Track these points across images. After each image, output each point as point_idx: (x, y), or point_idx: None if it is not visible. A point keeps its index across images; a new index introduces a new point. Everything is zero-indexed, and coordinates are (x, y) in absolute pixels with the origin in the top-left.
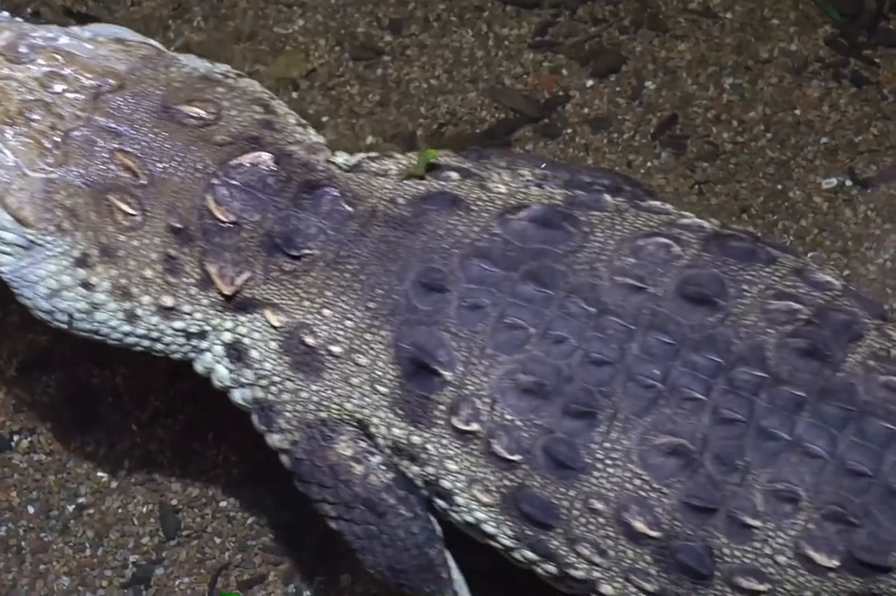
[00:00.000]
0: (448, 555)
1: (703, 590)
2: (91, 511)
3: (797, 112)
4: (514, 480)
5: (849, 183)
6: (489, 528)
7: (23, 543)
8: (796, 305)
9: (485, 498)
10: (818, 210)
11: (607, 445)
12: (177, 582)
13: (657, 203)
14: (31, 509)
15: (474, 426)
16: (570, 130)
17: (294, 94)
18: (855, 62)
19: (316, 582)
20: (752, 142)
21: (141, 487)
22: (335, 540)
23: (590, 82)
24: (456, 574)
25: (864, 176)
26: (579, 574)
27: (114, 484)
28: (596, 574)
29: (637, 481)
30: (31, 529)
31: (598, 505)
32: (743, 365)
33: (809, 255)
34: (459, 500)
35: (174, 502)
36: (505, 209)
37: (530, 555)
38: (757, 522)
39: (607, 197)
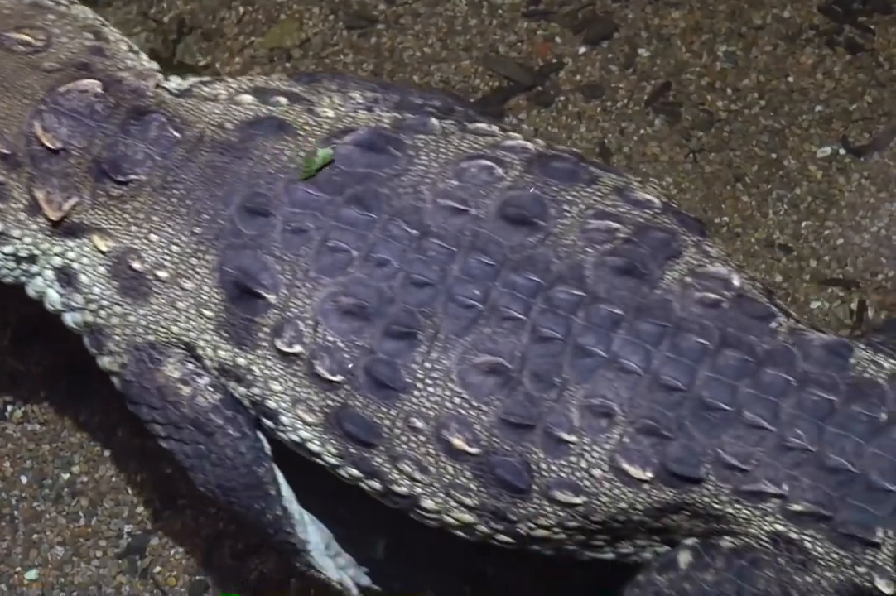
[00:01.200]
0: (277, 472)
1: (522, 504)
2: (85, 480)
3: (791, 80)
4: (337, 400)
5: (843, 151)
6: (314, 446)
7: (16, 513)
8: (615, 224)
9: (308, 418)
10: (812, 178)
11: (427, 364)
12: (172, 552)
13: (483, 125)
14: (24, 479)
15: (297, 348)
16: (563, 98)
17: (287, 64)
18: (849, 29)
19: None
20: (745, 110)
21: (135, 457)
22: (331, 511)
23: (583, 50)
24: (285, 491)
25: (858, 144)
26: (402, 490)
27: (107, 453)
28: (418, 490)
29: (456, 400)
30: (25, 498)
31: (419, 423)
32: (561, 284)
33: (803, 223)
34: (284, 419)
35: (168, 471)
36: (332, 134)
37: (355, 472)
38: (573, 437)
39: (434, 120)
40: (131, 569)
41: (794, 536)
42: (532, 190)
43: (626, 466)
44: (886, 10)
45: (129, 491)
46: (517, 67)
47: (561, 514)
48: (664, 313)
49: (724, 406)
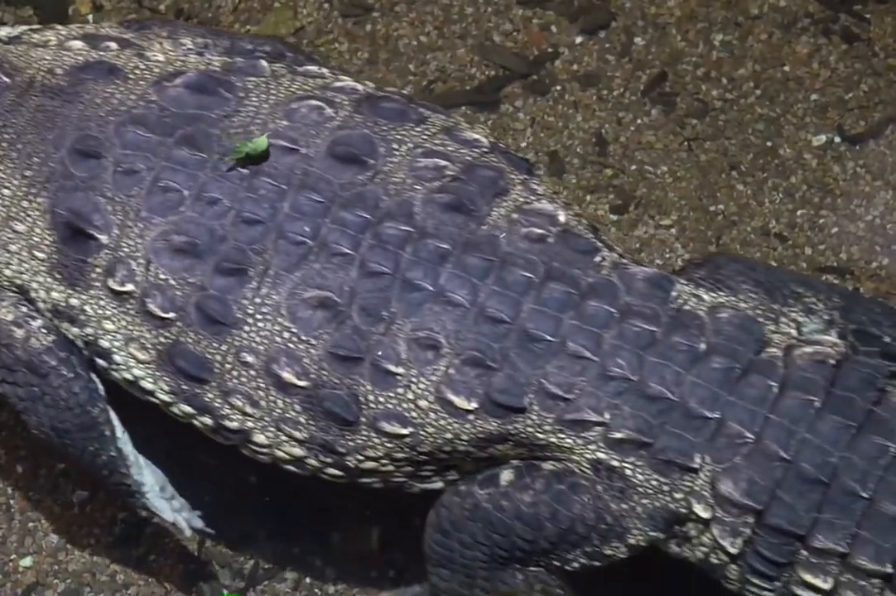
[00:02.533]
0: (112, 414)
1: (350, 436)
2: None
3: (786, 69)
4: (169, 338)
5: (838, 140)
6: (147, 384)
7: (11, 502)
8: (443, 162)
9: (141, 355)
10: (808, 167)
11: (258, 300)
12: (166, 540)
13: (313, 67)
14: (19, 468)
15: (129, 287)
16: (559, 87)
17: None
18: (845, 18)
19: (305, 540)
20: (741, 99)
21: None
22: (326, 500)
23: (579, 39)
24: (119, 432)
25: (853, 133)
26: (234, 425)
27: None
28: (249, 424)
29: (286, 334)
30: (20, 487)
31: (249, 358)
32: (390, 220)
33: (799, 212)
34: (117, 358)
35: (163, 460)
36: (162, 77)
37: (187, 409)
38: (400, 369)
39: (264, 63)
40: (126, 557)
41: (615, 463)
42: (361, 129)
43: (451, 396)
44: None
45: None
46: (513, 56)
47: (389, 445)
48: (491, 248)
49: (548, 337)
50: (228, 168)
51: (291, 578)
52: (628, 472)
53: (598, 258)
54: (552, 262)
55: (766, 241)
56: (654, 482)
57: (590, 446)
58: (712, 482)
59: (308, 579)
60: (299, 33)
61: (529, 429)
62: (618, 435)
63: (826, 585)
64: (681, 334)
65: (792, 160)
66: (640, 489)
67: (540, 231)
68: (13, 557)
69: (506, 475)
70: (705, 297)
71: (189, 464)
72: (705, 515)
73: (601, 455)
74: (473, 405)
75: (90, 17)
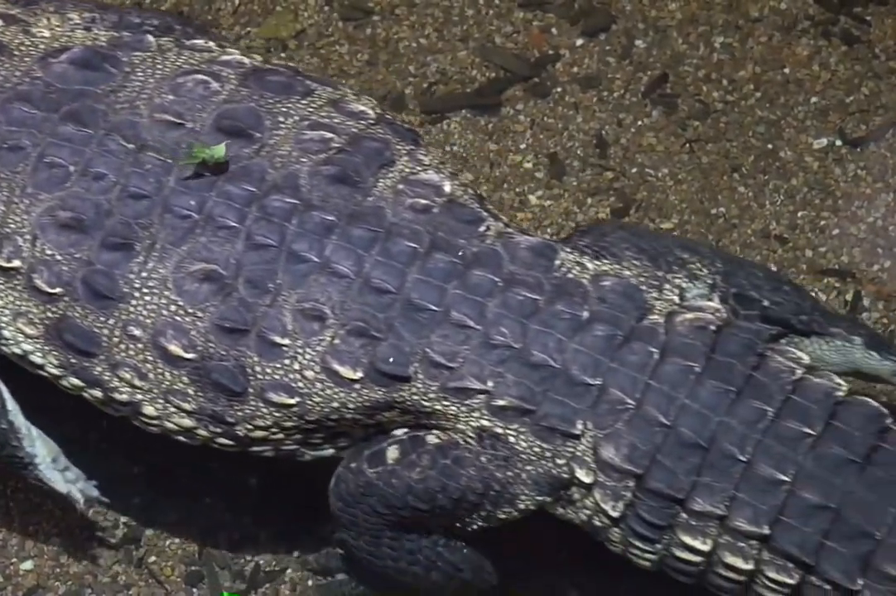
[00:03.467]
0: (2, 386)
1: (238, 406)
2: (80, 471)
3: (787, 71)
4: (57, 312)
5: (839, 143)
6: (36, 359)
7: (12, 504)
8: (329, 135)
9: (29, 330)
10: (809, 170)
11: (144, 274)
12: (167, 542)
13: (200, 41)
14: None
15: (16, 263)
16: (560, 89)
17: (283, 55)
18: (845, 20)
19: (306, 542)
20: (742, 101)
21: (130, 448)
22: (326, 501)
23: (580, 41)
24: (10, 405)
25: (854, 135)
26: (123, 398)
27: (104, 446)
28: (138, 397)
29: (173, 307)
30: (20, 489)
31: (136, 331)
32: (276, 193)
33: (799, 214)
34: (6, 333)
35: (164, 462)
36: (48, 53)
37: (77, 382)
38: (286, 341)
39: (150, 37)
40: (127, 559)
41: (499, 430)
42: (247, 103)
43: (336, 366)
44: (882, 1)
45: (125, 481)
46: (513, 58)
47: (277, 415)
48: (376, 219)
49: (433, 307)
50: (186, 176)
51: (292, 579)
52: (511, 439)
53: (482, 228)
54: (437, 232)
55: (766, 243)
56: (538, 449)
57: (473, 414)
58: (594, 448)
59: (309, 581)
60: (300, 36)
61: (415, 397)
62: (501, 402)
63: (705, 546)
64: (564, 302)
65: (793, 163)
66: (523, 456)
67: (425, 202)
68: (14, 560)
69: (392, 453)
70: (589, 265)
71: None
72: (587, 479)
73: (485, 422)
74: (359, 375)
75: None
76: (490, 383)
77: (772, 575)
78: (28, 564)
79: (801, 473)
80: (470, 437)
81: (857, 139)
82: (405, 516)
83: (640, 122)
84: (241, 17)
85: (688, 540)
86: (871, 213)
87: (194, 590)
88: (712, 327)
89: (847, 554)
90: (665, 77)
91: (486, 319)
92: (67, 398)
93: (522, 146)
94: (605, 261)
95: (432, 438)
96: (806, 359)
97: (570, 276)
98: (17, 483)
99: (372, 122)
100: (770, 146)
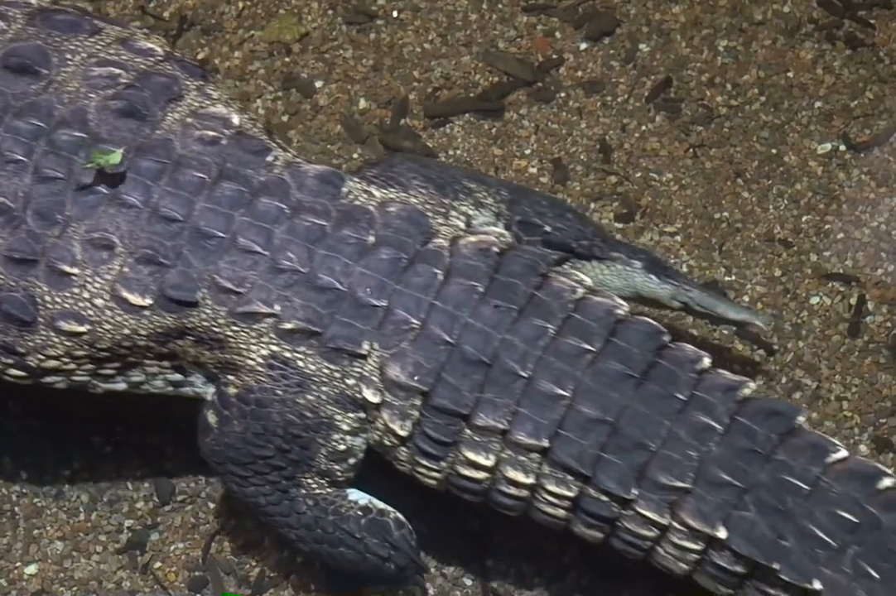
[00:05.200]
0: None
1: (29, 336)
2: (85, 476)
3: (791, 75)
4: None
5: (843, 147)
6: None
7: (16, 509)
8: (117, 71)
9: None
10: (812, 174)
11: None
12: (171, 547)
13: None
14: (24, 474)
15: None
16: (563, 94)
17: (287, 59)
18: (849, 24)
19: None
20: (746, 105)
21: (135, 452)
22: None
23: (584, 45)
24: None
25: (858, 140)
26: None
27: (108, 449)
28: None
29: None
30: (25, 494)
31: None
32: (64, 127)
33: (804, 219)
34: None
35: (168, 467)
36: None
37: None
38: (75, 270)
39: None
40: (131, 564)
41: (287, 354)
42: (34, 41)
43: (125, 294)
44: (886, 5)
45: (129, 487)
46: (517, 63)
47: (68, 343)
48: (164, 151)
49: (220, 234)
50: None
51: (296, 585)
52: (300, 363)
53: (270, 158)
54: (225, 162)
55: (770, 247)
56: (326, 370)
57: (263, 339)
58: (381, 367)
59: (313, 587)
60: (304, 40)
61: (205, 323)
62: (288, 325)
63: (488, 462)
64: (350, 228)
65: (797, 167)
66: (315, 379)
67: (213, 133)
68: (18, 564)
69: (211, 418)
70: (376, 193)
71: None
72: (374, 399)
73: (274, 348)
74: (148, 301)
75: None
76: (277, 307)
77: (551, 488)
78: (32, 569)
79: (580, 388)
80: (261, 371)
81: (861, 143)
82: (263, 469)
83: (643, 127)
84: (244, 20)
85: (471, 456)
86: (875, 217)
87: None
88: (495, 249)
89: (622, 465)
90: (669, 81)
91: (273, 245)
92: (67, 400)
93: (527, 151)
94: (393, 189)
95: (231, 389)
96: (588, 280)
97: (357, 203)
98: (21, 487)
99: (160, 58)
100: (774, 151)
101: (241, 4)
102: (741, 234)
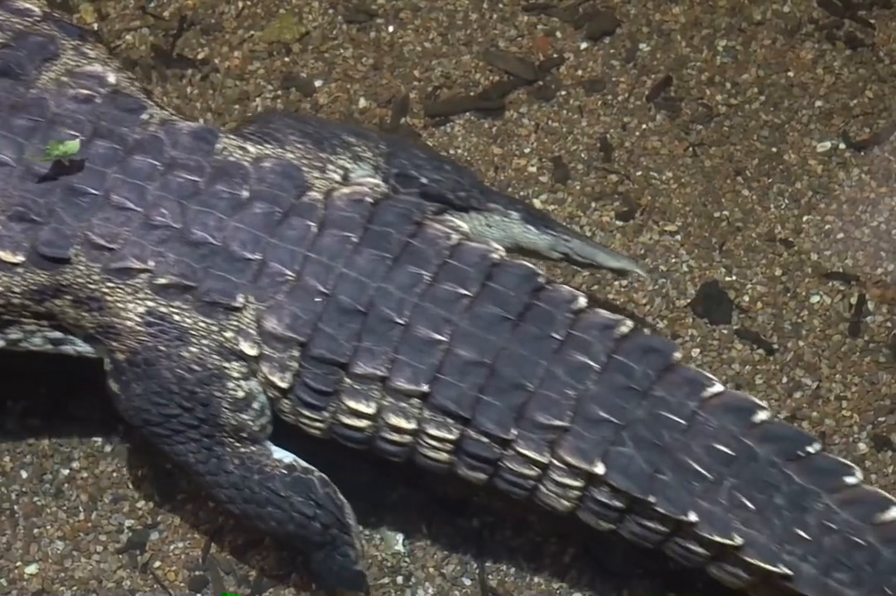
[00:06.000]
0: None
1: None
2: (85, 475)
3: (791, 74)
4: None
5: (843, 146)
6: None
7: (16, 508)
8: None
9: None
10: (813, 173)
11: None
12: (172, 546)
13: None
14: (24, 474)
15: None
16: (564, 93)
17: (286, 58)
18: (849, 23)
19: None
20: (745, 104)
21: (135, 452)
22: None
23: (584, 45)
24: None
25: (858, 139)
26: None
27: (108, 448)
28: None
29: None
30: (25, 493)
31: None
32: None
33: (804, 218)
34: None
35: (168, 466)
36: None
37: None
38: None
39: None
40: (131, 564)
41: (163, 310)
42: None
43: None
44: (886, 4)
45: (129, 486)
46: (518, 62)
47: None
48: (38, 110)
49: (93, 191)
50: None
51: (296, 584)
52: (177, 317)
53: (145, 116)
54: (100, 121)
55: (771, 246)
56: (203, 324)
57: (139, 295)
58: (257, 320)
59: (313, 586)
60: (304, 39)
61: (80, 280)
62: (162, 281)
63: (369, 409)
64: (224, 183)
65: (797, 166)
66: (193, 332)
67: (88, 92)
68: (18, 564)
69: (113, 386)
70: (251, 149)
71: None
72: (252, 352)
73: (150, 303)
74: (20, 258)
75: (95, 25)
76: (151, 263)
77: (433, 432)
78: (32, 568)
79: (457, 333)
80: (141, 331)
81: (861, 142)
82: (178, 427)
83: (644, 126)
84: (244, 20)
85: (353, 404)
86: (876, 216)
87: (199, 595)
88: (369, 200)
89: (501, 406)
90: (669, 80)
91: (146, 202)
92: (68, 399)
93: (527, 150)
94: (269, 145)
95: (119, 356)
96: (464, 226)
97: (232, 159)
98: (21, 486)
99: (38, 18)
100: (774, 149)
101: (240, 4)
102: (741, 233)
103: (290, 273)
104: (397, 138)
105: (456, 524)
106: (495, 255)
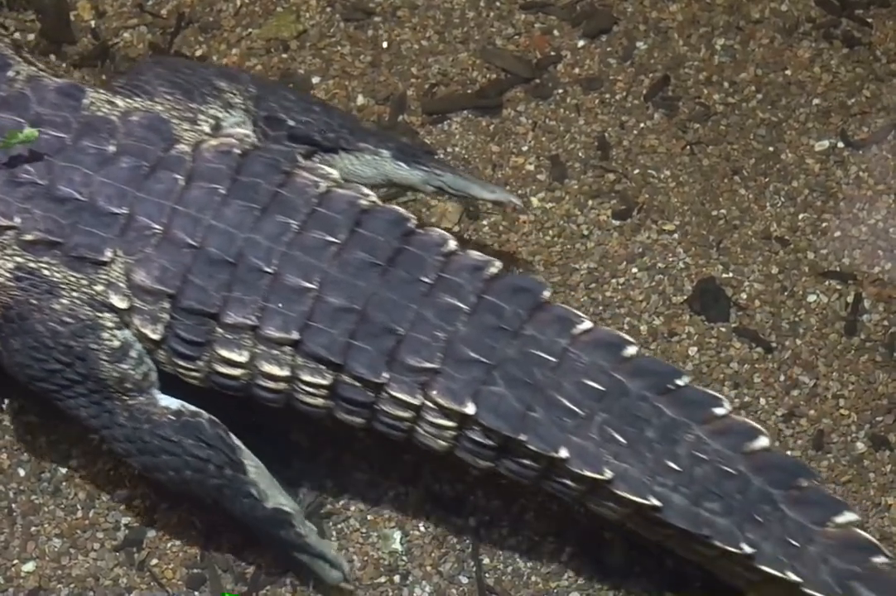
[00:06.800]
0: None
1: None
2: (83, 473)
3: (788, 73)
4: None
5: (840, 145)
6: None
7: (13, 506)
8: None
9: None
10: (810, 172)
11: None
12: (169, 544)
13: None
14: (21, 471)
15: None
16: (561, 91)
17: (284, 55)
18: (847, 22)
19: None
20: (743, 103)
21: None
22: (326, 503)
23: (581, 43)
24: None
25: (856, 138)
26: None
27: (105, 446)
28: None
29: None
30: (23, 491)
31: None
32: None
33: (801, 216)
34: None
35: None
36: None
37: None
38: None
39: None
40: (128, 561)
41: (33, 265)
42: None
43: None
44: (883, 3)
45: (127, 483)
46: (515, 60)
47: None
48: None
49: None
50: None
51: (293, 582)
52: (46, 272)
53: (11, 73)
54: None
55: (767, 245)
56: (73, 278)
57: (6, 251)
58: (127, 273)
59: (311, 584)
60: (302, 37)
61: None
62: (29, 237)
63: (242, 358)
64: (90, 139)
65: (794, 165)
66: (63, 286)
67: None
68: (15, 561)
69: None
70: (120, 103)
71: None
72: (123, 304)
73: (19, 259)
74: None
75: (92, 22)
76: (17, 219)
77: (307, 378)
78: (29, 566)
79: (326, 280)
80: (11, 285)
81: (858, 141)
82: (62, 382)
83: (641, 125)
84: (242, 18)
85: (225, 353)
86: (873, 215)
87: (196, 593)
88: (237, 151)
89: (372, 351)
90: (666, 79)
91: (10, 160)
92: None
93: (524, 148)
94: (138, 99)
95: None
96: (335, 174)
97: (100, 114)
98: (19, 484)
99: None
100: (771, 148)
101: (238, 2)
102: (738, 232)
103: (157, 226)
104: (268, 81)
105: (453, 523)
106: (364, 202)
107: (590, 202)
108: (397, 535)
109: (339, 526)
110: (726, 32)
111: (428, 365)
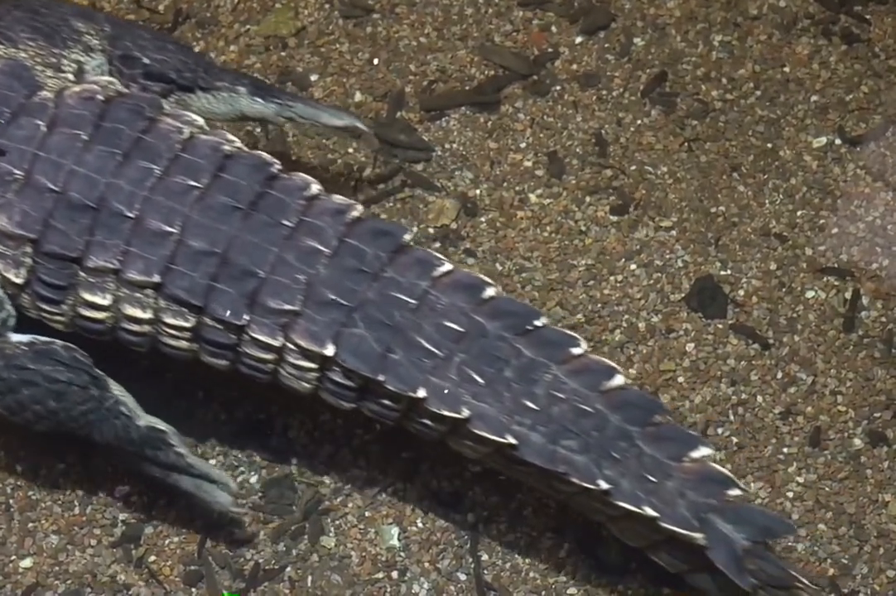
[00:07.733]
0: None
1: None
2: (80, 469)
3: (786, 69)
4: None
5: (839, 141)
6: None
7: (11, 502)
8: None
9: None
10: (808, 168)
11: None
12: (166, 541)
13: None
14: (19, 468)
15: None
16: (559, 87)
17: (283, 52)
18: (845, 19)
19: (304, 541)
20: (741, 99)
21: None
22: (324, 499)
23: (579, 39)
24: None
25: (854, 134)
26: None
27: None
28: None
29: None
30: (20, 487)
31: None
32: None
33: (799, 213)
34: None
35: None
36: None
37: None
38: None
39: None
40: (126, 558)
41: None
42: None
43: None
44: (882, 0)
45: (124, 480)
46: (513, 57)
47: None
48: None
49: None
50: None
51: (291, 578)
52: None
53: None
54: None
55: (766, 241)
56: None
57: None
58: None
59: (309, 580)
60: (300, 34)
61: None
62: None
63: (105, 301)
64: None
65: (792, 161)
66: None
67: None
68: (13, 558)
69: None
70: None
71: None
72: (18, 280)
73: None
74: None
75: None
76: None
77: (169, 321)
78: (27, 562)
79: (188, 224)
80: None
81: (856, 138)
82: None
83: (639, 121)
84: (240, 14)
85: (88, 297)
86: (870, 211)
87: (193, 589)
88: (100, 97)
89: (233, 293)
90: (664, 75)
91: None
92: None
93: (522, 145)
94: (2, 46)
95: None
96: (200, 121)
97: None
98: (16, 480)
99: None
100: (769, 145)
101: None
102: (737, 229)
103: (18, 172)
104: (123, 21)
105: (451, 519)
106: (227, 147)
107: (587, 199)
108: (395, 531)
109: (336, 522)
110: (724, 29)
111: (288, 307)
